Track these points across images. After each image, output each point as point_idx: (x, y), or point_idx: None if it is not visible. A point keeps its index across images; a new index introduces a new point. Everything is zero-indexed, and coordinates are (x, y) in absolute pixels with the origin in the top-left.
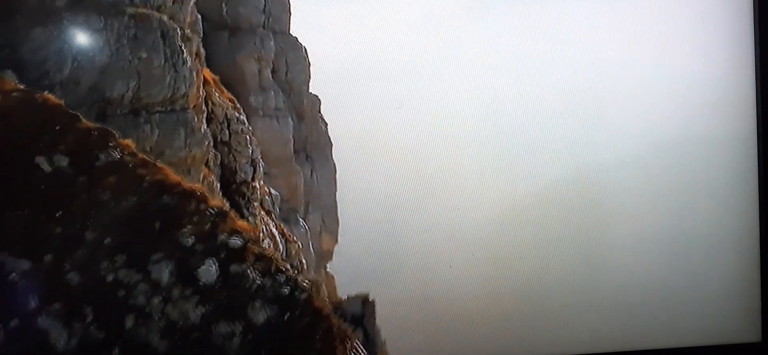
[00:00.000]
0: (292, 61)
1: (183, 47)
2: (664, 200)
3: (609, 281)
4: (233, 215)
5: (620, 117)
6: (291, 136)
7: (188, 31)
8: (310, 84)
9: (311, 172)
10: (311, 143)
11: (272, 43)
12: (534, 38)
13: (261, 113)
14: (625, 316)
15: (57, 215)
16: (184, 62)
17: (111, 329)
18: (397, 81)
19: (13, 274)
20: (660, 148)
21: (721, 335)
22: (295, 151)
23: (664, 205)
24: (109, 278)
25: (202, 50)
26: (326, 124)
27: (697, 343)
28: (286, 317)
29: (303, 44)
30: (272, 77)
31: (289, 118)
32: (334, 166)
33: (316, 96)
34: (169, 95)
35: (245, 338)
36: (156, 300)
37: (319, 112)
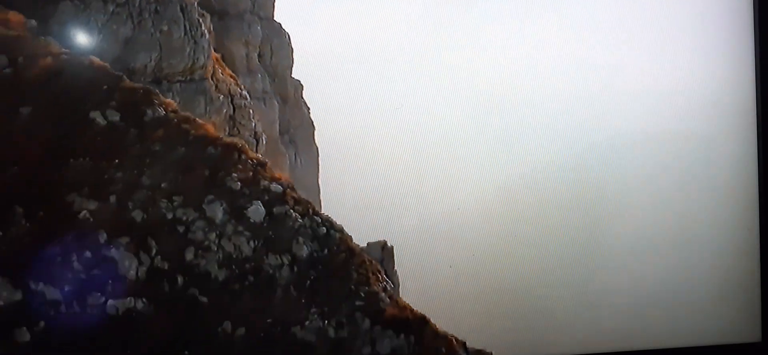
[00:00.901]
0: (277, 46)
1: (201, 20)
2: (664, 200)
3: (609, 281)
4: (270, 166)
5: (620, 118)
6: (276, 117)
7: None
8: (294, 69)
9: (295, 156)
10: (294, 127)
11: (259, 28)
12: (534, 38)
13: (248, 96)
14: (625, 316)
15: (115, 162)
16: (203, 34)
17: (174, 260)
18: (397, 81)
19: (84, 211)
20: (660, 148)
21: (721, 335)
22: (280, 133)
23: (664, 205)
24: (169, 216)
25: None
26: (309, 109)
27: (697, 343)
28: (325, 252)
29: (287, 31)
30: (258, 61)
31: (275, 101)
32: (317, 151)
33: (299, 81)
34: (189, 65)
35: (292, 269)
36: (212, 235)
37: (302, 96)
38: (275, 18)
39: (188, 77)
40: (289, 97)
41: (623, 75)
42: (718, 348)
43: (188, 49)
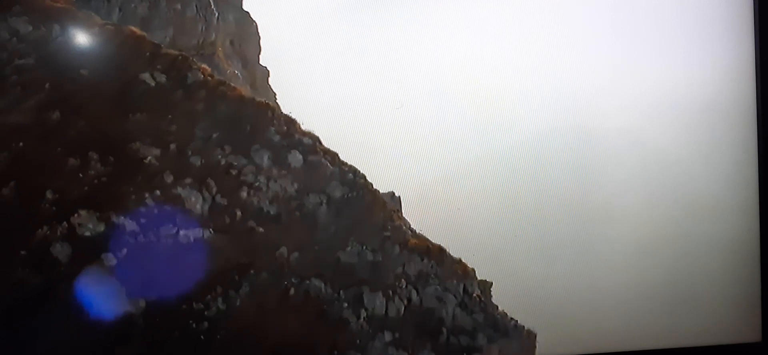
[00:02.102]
0: (246, 34)
1: (210, 0)
2: (664, 200)
3: (609, 281)
4: (298, 122)
5: (620, 117)
6: None
7: None
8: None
9: None
10: None
11: (231, 17)
12: (534, 38)
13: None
14: (625, 316)
15: (168, 117)
16: (213, 13)
17: (232, 198)
18: (397, 81)
19: (149, 157)
20: (660, 147)
21: (721, 335)
22: None
23: (664, 205)
24: (223, 162)
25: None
26: (275, 95)
27: (697, 343)
28: (353, 194)
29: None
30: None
31: (247, 86)
32: None
33: (266, 68)
34: (200, 42)
35: (329, 206)
36: (261, 178)
37: (268, 82)
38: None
39: (200, 53)
40: (257, 84)
41: (623, 75)
42: (718, 348)
43: (200, 27)
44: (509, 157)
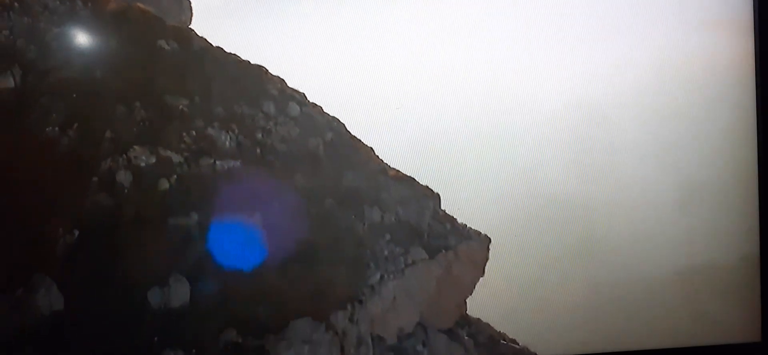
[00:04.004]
0: None
1: None
2: (664, 199)
3: (609, 281)
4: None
5: (620, 116)
6: None
7: None
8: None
9: None
10: None
11: None
12: (533, 36)
13: None
14: (625, 316)
15: (187, 76)
16: None
17: (250, 138)
18: (396, 81)
19: (181, 106)
20: (659, 146)
21: (721, 335)
22: None
23: (664, 204)
24: (238, 110)
25: None
26: None
27: (697, 343)
28: (339, 137)
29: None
30: None
31: None
32: None
33: None
34: (176, 24)
35: (325, 147)
36: (270, 123)
37: None
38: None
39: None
40: None
41: (623, 74)
42: (717, 348)
43: (175, 10)
44: (509, 157)
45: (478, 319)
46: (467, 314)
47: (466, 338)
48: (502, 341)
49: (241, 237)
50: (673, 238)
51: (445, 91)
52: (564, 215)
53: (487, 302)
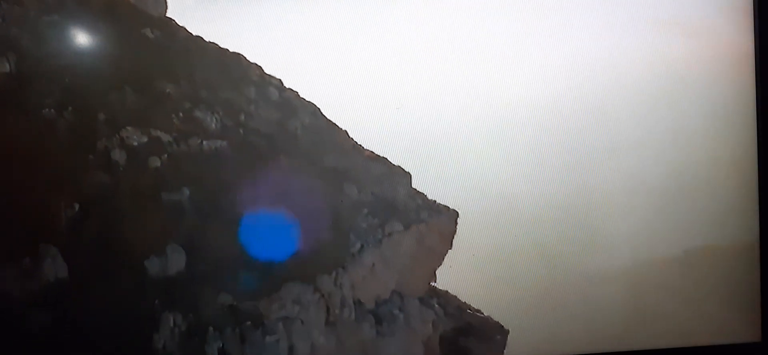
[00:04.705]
0: None
1: None
2: (664, 199)
3: (609, 281)
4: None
5: (619, 115)
6: None
7: None
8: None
9: None
10: None
11: None
12: (532, 36)
13: None
14: (625, 316)
15: (172, 61)
16: None
17: (234, 120)
18: (396, 81)
19: (169, 89)
20: (658, 146)
21: (721, 335)
22: None
23: (664, 204)
24: (222, 95)
25: None
26: None
27: (697, 343)
28: (315, 120)
29: None
30: None
31: None
32: None
33: None
34: (155, 16)
35: (304, 130)
36: (252, 106)
37: None
38: None
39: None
40: None
41: (622, 73)
42: (717, 348)
43: (150, 2)
44: (509, 157)
45: (446, 291)
46: (436, 287)
47: (436, 306)
48: (467, 310)
49: (271, 229)
50: (672, 237)
51: (445, 91)
52: (564, 215)
53: (488, 303)
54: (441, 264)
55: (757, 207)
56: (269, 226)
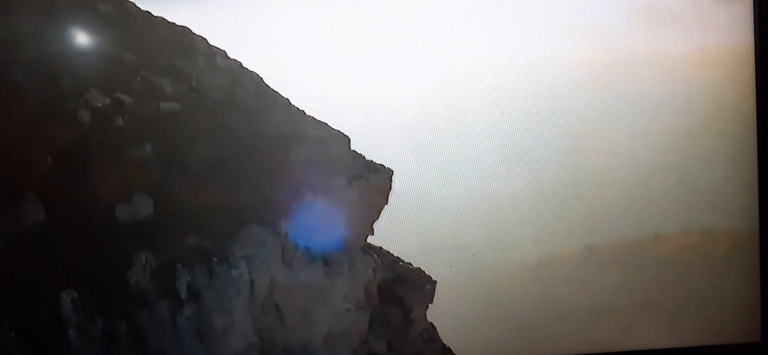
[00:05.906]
0: None
1: None
2: (663, 199)
3: (609, 281)
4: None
5: (619, 115)
6: None
7: None
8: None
9: None
10: None
11: None
12: (531, 35)
13: None
14: (625, 315)
15: (126, 32)
16: None
17: (187, 84)
18: (396, 83)
19: (127, 56)
20: (658, 146)
21: (721, 335)
22: None
23: (663, 204)
24: (179, 64)
25: None
26: None
27: (697, 343)
28: (261, 90)
29: None
30: None
31: None
32: None
33: None
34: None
35: (252, 96)
36: (203, 74)
37: None
38: None
39: None
40: None
41: (622, 72)
42: (717, 348)
43: None
44: (509, 157)
45: (380, 247)
46: (371, 242)
47: (375, 256)
48: (399, 263)
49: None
50: (672, 237)
51: (445, 91)
52: (565, 215)
53: (488, 302)
54: (378, 218)
55: (756, 207)
56: (231, 178)
